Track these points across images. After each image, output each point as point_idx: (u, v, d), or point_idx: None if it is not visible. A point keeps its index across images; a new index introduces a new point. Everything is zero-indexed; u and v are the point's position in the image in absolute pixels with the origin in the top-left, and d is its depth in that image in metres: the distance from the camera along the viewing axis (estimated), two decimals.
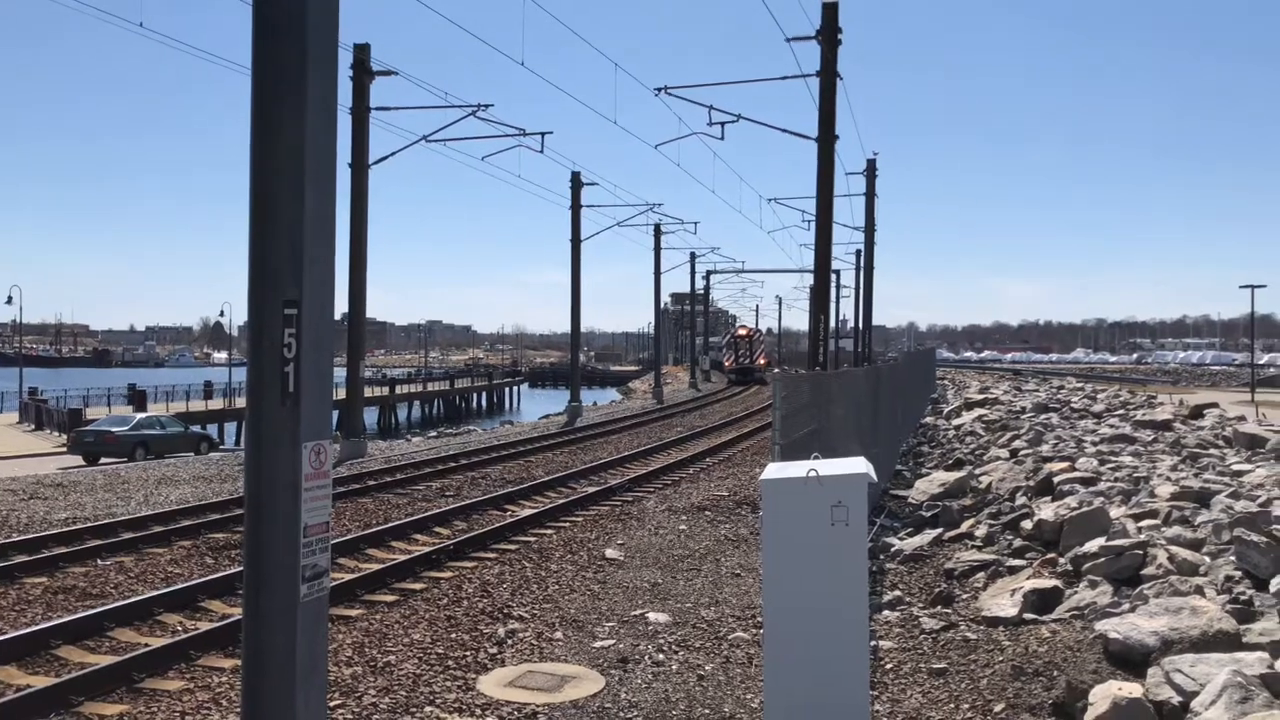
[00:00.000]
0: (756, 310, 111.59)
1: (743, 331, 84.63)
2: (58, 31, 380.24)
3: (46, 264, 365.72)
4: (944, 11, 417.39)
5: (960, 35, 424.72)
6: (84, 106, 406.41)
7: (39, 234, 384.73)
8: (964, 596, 9.16)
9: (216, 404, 50.44)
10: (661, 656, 8.14)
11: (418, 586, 10.76)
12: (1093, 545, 8.79)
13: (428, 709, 7.03)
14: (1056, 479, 12.66)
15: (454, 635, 8.86)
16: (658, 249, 55.15)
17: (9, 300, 49.79)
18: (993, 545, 10.73)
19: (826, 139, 19.88)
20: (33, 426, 42.04)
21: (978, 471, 15.88)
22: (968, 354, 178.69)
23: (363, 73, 25.98)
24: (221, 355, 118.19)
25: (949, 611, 8.64)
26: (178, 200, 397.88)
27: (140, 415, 33.92)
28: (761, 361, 79.98)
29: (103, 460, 28.45)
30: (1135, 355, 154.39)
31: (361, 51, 26.01)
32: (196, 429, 34.76)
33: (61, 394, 47.22)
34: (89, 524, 14.14)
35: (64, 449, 31.58)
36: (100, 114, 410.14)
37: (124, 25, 30.09)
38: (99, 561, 11.94)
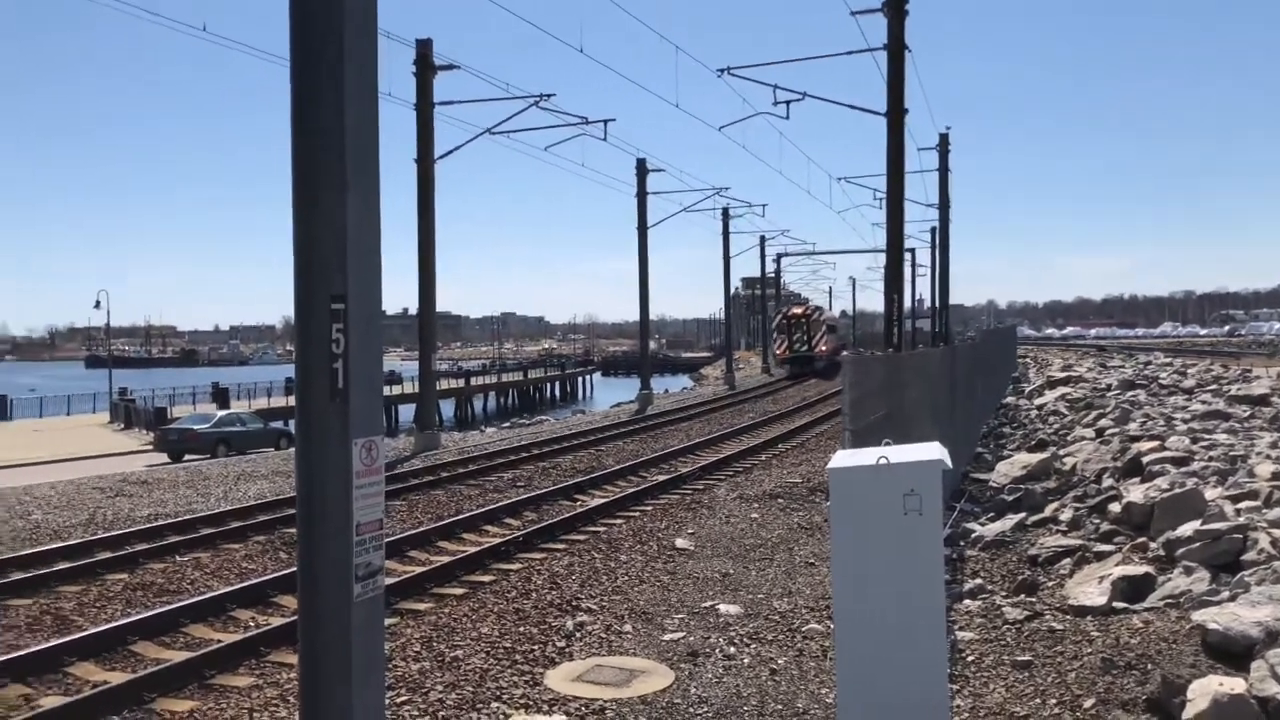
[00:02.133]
0: (830, 292, 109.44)
1: (797, 311, 64.57)
2: (125, 39, 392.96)
3: (135, 269, 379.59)
4: None
5: (1032, 4, 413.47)
6: (161, 113, 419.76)
7: (127, 240, 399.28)
8: (1049, 584, 8.77)
9: None
10: (733, 650, 7.93)
11: (486, 579, 10.71)
12: (1187, 529, 8.32)
13: (494, 705, 6.92)
14: (1146, 459, 12.10)
15: (522, 629, 8.76)
16: (726, 233, 54.74)
17: (97, 304, 51.42)
18: (1079, 530, 10.28)
19: (895, 114, 19.34)
20: (122, 426, 43.40)
21: (1062, 453, 15.31)
22: (1049, 331, 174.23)
23: (426, 68, 26.09)
24: None
25: (1033, 600, 8.26)
26: (257, 200, 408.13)
27: (222, 413, 34.76)
28: (823, 348, 61.62)
29: (186, 457, 29.17)
30: (1227, 328, 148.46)
31: (424, 47, 26.12)
32: (276, 425, 35.46)
33: (149, 393, 48.69)
34: (170, 520, 14.43)
35: (150, 447, 32.46)
36: (178, 120, 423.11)
37: (187, 31, 30.69)
38: (177, 558, 12.14)
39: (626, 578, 10.57)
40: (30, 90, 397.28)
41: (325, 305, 3.74)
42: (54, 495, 18.25)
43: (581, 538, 12.83)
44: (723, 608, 9.19)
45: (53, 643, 8.40)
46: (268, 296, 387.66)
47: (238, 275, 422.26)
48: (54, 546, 12.61)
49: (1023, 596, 8.48)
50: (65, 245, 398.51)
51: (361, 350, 3.81)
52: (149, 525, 14.04)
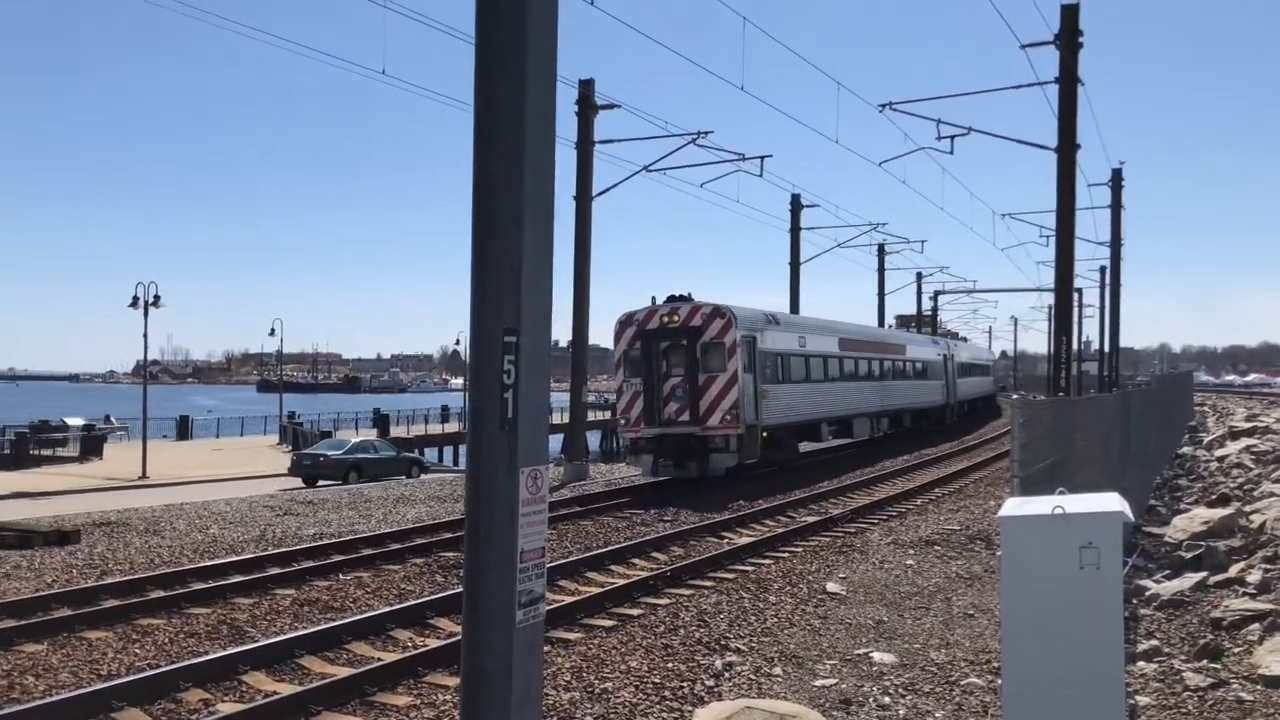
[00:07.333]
0: (990, 332, 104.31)
1: (670, 318, 23.08)
2: (301, 80, 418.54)
3: (305, 298, 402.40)
4: (1193, 7, 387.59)
5: (1214, 31, 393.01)
6: (327, 152, 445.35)
7: (299, 271, 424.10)
8: (1235, 650, 8.14)
9: (453, 427, 53.16)
10: (887, 700, 7.67)
11: (635, 612, 10.72)
12: None
13: None
14: None
15: (670, 665, 8.71)
16: (881, 269, 53.76)
17: (272, 332, 54.30)
18: (1269, 593, 9.52)
19: (1066, 149, 18.65)
20: (290, 448, 45.71)
21: (1248, 509, 14.25)
22: (1230, 377, 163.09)
23: (587, 107, 26.74)
24: (458, 381, 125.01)
25: (1217, 667, 7.69)
26: (420, 234, 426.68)
27: (354, 440, 35.78)
28: (724, 424, 22.57)
29: (320, 482, 29.97)
30: None
31: (586, 87, 26.80)
32: (408, 454, 36.27)
33: (315, 417, 51.28)
34: (333, 540, 15.06)
35: None
36: (344, 158, 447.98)
37: (367, 74, 32.40)
38: (340, 576, 12.65)
39: (776, 619, 10.40)
40: (221, 135, 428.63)
41: (498, 338, 3.84)
42: (229, 511, 19.37)
43: (729, 576, 12.70)
44: (876, 655, 8.91)
45: (229, 651, 8.87)
46: (427, 327, 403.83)
47: (400, 307, 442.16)
48: (229, 560, 13.34)
49: (1205, 662, 7.90)
50: (242, 275, 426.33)
51: (531, 382, 3.89)
52: (315, 544, 14.70)
